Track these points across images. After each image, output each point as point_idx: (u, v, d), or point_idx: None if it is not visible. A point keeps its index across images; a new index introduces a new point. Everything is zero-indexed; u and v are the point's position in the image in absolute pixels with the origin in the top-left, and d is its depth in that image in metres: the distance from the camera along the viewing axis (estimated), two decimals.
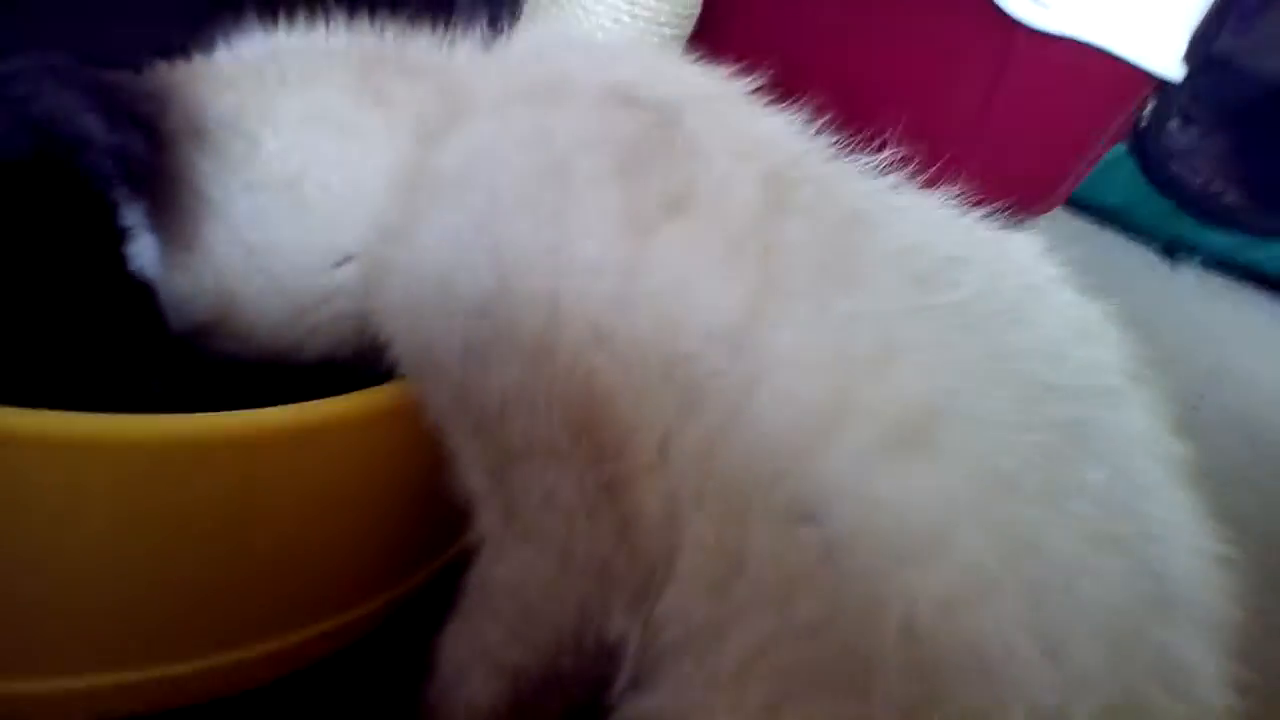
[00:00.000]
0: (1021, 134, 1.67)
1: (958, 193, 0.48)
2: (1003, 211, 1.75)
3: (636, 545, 0.45)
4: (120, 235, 0.53)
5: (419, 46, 0.57)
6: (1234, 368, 1.74)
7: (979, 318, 0.44)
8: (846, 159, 0.50)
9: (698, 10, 1.03)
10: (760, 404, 0.43)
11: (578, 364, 0.45)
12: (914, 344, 0.42)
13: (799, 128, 0.51)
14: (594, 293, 0.45)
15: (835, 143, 0.50)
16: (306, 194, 0.53)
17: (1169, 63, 1.57)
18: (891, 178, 0.49)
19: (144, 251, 0.54)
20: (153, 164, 0.50)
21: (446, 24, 0.57)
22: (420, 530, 0.55)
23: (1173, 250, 2.21)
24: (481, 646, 0.50)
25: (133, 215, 0.53)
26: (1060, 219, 2.23)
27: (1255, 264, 2.19)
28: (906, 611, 0.41)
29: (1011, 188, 1.77)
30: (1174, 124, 2.19)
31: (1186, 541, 0.44)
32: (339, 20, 0.57)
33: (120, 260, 0.53)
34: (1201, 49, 2.08)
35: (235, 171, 0.52)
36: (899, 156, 0.48)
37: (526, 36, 0.55)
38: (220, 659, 0.52)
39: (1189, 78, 2.15)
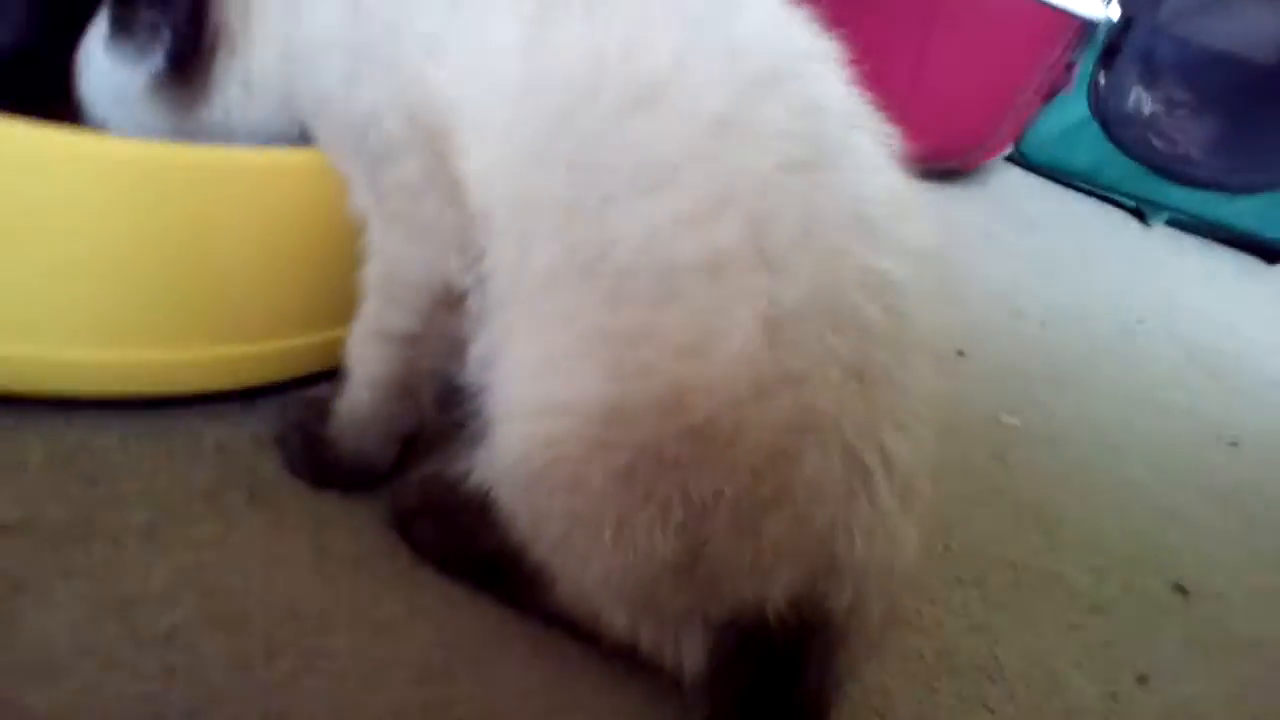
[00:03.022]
0: (956, 84, 1.78)
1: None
2: (947, 159, 1.85)
3: (463, 206, 0.60)
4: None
5: None
6: (1183, 300, 1.82)
7: (697, 17, 0.58)
8: None
9: None
10: (545, 83, 0.58)
11: (417, 74, 0.59)
12: (652, 36, 0.56)
13: None
14: (426, 22, 0.61)
15: None
16: (250, 70, 0.67)
17: (1091, 4, 1.68)
18: None
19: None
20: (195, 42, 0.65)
21: None
22: (344, 282, 0.67)
23: (1142, 210, 2.29)
24: (367, 322, 0.65)
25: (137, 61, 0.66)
26: (1034, 183, 2.32)
27: (1221, 220, 2.26)
28: (650, 229, 0.53)
29: (951, 136, 1.89)
30: (1138, 92, 2.27)
31: (880, 176, 0.55)
32: None
33: None
34: (1148, 16, 2.19)
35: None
36: None
37: None
38: (180, 355, 0.65)
39: (1147, 46, 2.26)
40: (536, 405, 0.54)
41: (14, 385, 0.62)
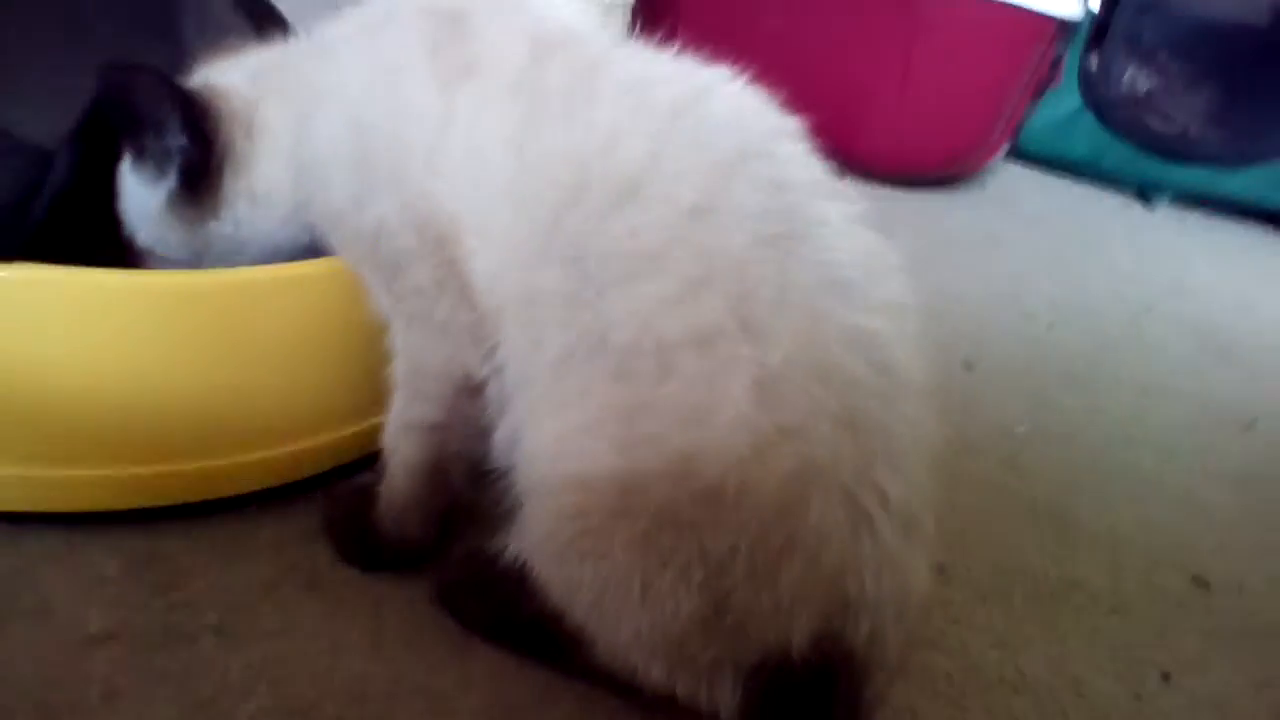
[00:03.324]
0: (943, 93, 1.83)
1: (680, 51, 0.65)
2: (941, 168, 1.90)
3: (475, 303, 0.65)
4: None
5: (300, 44, 0.77)
6: (1190, 281, 1.83)
7: (668, 109, 0.62)
8: (596, 28, 0.68)
9: None
10: (537, 186, 0.62)
11: (420, 187, 0.64)
12: (629, 132, 0.61)
13: (563, 6, 0.70)
14: (423, 138, 0.65)
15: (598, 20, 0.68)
16: (256, 187, 0.74)
17: (1067, 5, 1.72)
18: (630, 42, 0.67)
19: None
20: (204, 164, 0.72)
21: None
22: (374, 375, 0.73)
23: (1146, 192, 2.31)
24: (397, 414, 0.71)
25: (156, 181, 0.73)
26: (1034, 177, 2.36)
27: (1227, 194, 2.28)
28: (642, 313, 0.58)
29: (943, 144, 1.94)
30: (1131, 71, 2.29)
31: (849, 240, 0.59)
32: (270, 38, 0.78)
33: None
34: None
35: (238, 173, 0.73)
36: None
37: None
38: (212, 464, 0.71)
39: (1136, 22, 2.28)
40: (559, 481, 0.59)
41: (89, 503, 0.69)
